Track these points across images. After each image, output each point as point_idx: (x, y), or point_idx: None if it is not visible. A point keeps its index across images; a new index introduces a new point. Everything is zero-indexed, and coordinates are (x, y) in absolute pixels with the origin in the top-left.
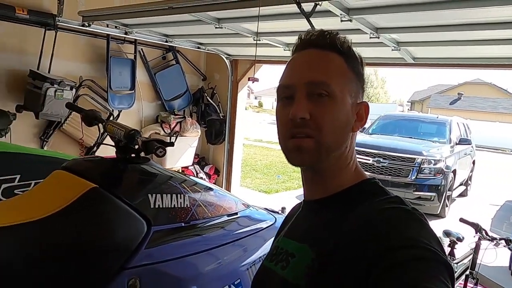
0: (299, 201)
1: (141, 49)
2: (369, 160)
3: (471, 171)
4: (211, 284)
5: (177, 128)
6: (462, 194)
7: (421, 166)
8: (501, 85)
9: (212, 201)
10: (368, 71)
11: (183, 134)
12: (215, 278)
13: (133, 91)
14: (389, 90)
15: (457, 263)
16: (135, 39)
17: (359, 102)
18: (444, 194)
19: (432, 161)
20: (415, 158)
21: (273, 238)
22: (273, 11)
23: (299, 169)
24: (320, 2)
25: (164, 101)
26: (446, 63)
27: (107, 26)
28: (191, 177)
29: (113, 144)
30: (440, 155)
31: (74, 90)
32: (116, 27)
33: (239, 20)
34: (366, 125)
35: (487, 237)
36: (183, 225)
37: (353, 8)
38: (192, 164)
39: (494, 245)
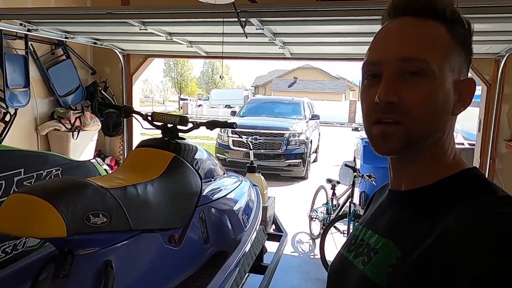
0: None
1: (31, 44)
2: (248, 138)
3: (318, 141)
4: (237, 212)
5: (77, 123)
6: (314, 160)
7: (289, 139)
8: (324, 69)
9: (217, 165)
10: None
11: (84, 128)
12: (237, 209)
13: (28, 88)
14: (234, 76)
15: (341, 196)
16: (26, 34)
17: (462, 79)
18: (307, 160)
19: (296, 134)
20: (284, 133)
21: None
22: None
23: None
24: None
25: (59, 97)
26: (313, 57)
27: None
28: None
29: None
30: (301, 129)
31: None
32: (20, 24)
33: (162, 24)
34: (236, 109)
35: (360, 174)
36: (211, 180)
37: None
38: (94, 157)
39: (364, 179)
